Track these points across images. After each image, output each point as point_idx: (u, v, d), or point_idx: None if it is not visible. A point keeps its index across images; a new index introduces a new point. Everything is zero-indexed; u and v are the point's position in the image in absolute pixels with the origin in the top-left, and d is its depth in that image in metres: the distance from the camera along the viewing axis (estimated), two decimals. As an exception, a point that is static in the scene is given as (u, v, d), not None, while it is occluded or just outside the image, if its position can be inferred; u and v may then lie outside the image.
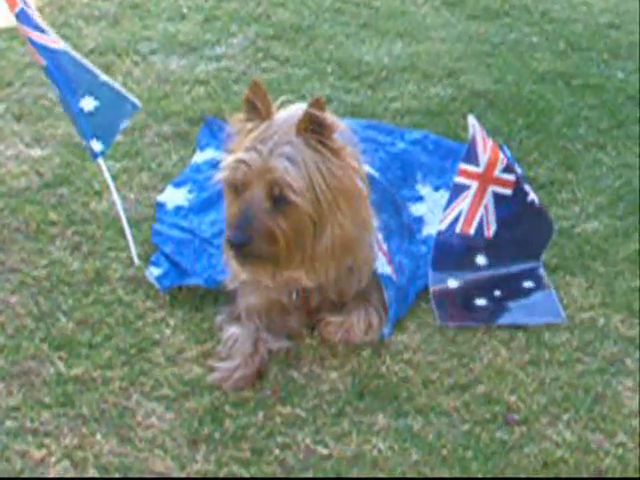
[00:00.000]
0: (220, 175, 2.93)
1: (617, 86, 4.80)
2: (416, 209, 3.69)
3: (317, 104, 2.82)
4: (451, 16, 5.61)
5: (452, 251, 3.30)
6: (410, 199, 3.72)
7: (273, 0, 5.71)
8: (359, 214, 2.98)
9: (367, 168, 3.18)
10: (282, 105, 3.00)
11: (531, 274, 3.39)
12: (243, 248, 2.85)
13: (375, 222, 3.15)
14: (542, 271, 3.39)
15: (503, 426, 2.83)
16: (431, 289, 3.27)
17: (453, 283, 3.30)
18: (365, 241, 3.08)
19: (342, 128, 2.94)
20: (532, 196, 3.31)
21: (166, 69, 4.86)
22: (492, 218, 3.26)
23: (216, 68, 4.90)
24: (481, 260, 3.33)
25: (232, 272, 3.11)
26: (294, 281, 3.01)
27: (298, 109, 2.91)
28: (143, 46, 5.09)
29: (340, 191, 2.88)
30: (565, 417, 2.86)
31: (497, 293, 3.30)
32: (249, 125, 2.90)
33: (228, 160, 2.89)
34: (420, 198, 3.76)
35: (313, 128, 2.84)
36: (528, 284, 3.36)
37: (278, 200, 2.83)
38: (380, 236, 3.20)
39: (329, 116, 2.87)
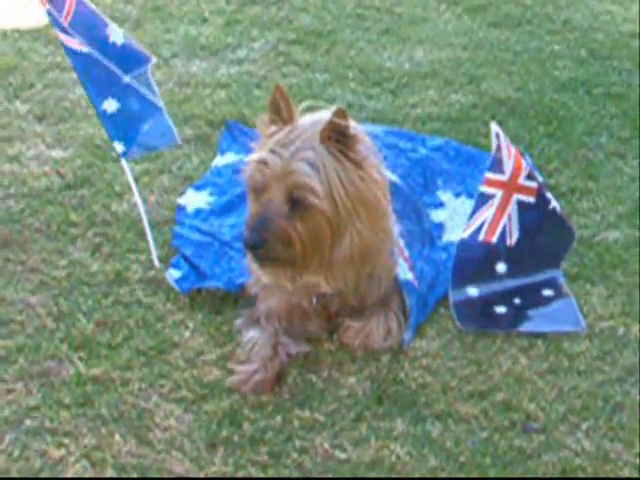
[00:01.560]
0: (242, 175, 2.94)
1: (638, 95, 4.79)
2: (437, 215, 3.68)
3: (340, 114, 2.82)
4: (472, 23, 5.61)
5: (473, 259, 3.26)
6: (431, 205, 3.72)
7: (295, 5, 5.72)
8: (379, 224, 2.97)
9: (389, 174, 3.18)
10: (306, 110, 3.00)
11: (551, 282, 3.36)
12: (258, 250, 2.85)
13: (397, 228, 3.15)
14: (562, 279, 3.38)
15: (522, 434, 2.82)
16: (451, 297, 3.25)
17: (473, 291, 3.27)
18: (385, 250, 3.07)
19: (365, 139, 2.94)
20: (553, 204, 3.29)
21: (187, 72, 4.87)
22: (515, 226, 3.24)
23: (237, 72, 4.91)
24: (501, 268, 3.30)
25: (254, 275, 3.12)
26: (313, 286, 3.01)
27: (323, 116, 2.91)
28: (164, 49, 5.11)
29: (359, 201, 2.87)
30: (584, 426, 2.85)
31: (517, 301, 3.28)
32: (272, 128, 2.91)
33: (250, 160, 2.90)
34: (441, 204, 3.76)
35: (336, 137, 2.83)
36: (548, 292, 3.34)
37: (296, 204, 2.83)
38: (402, 242, 3.20)
39: (352, 126, 2.86)
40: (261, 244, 2.82)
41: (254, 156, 2.88)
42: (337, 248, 2.90)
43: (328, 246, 2.88)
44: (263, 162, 2.84)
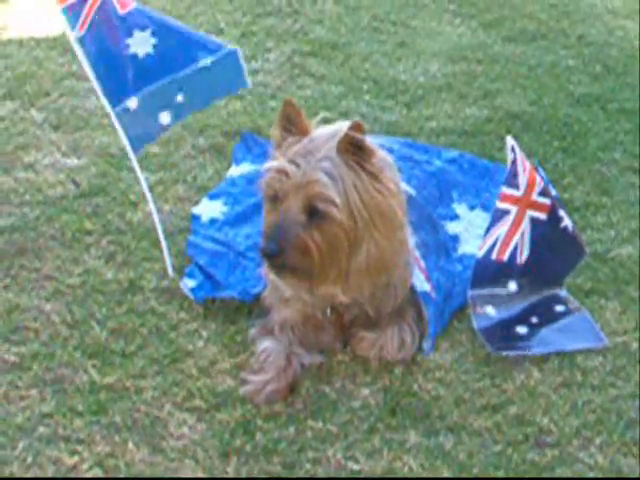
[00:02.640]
0: (260, 183, 2.94)
1: (653, 111, 4.80)
2: (452, 227, 3.69)
3: (357, 127, 2.82)
4: (487, 37, 5.62)
5: (488, 278, 3.25)
6: (446, 217, 3.72)
7: (310, 17, 5.74)
8: (395, 235, 2.96)
9: (404, 185, 3.18)
10: (321, 122, 3.00)
11: (558, 298, 3.36)
12: (275, 259, 2.84)
13: (412, 240, 3.15)
14: (565, 293, 3.38)
15: (535, 448, 2.81)
16: (475, 323, 3.19)
17: (491, 311, 3.26)
18: (400, 261, 3.07)
19: (380, 153, 2.94)
20: (566, 222, 3.28)
21: (203, 83, 4.88)
22: (526, 244, 3.24)
23: (252, 83, 4.88)
24: (512, 286, 3.30)
25: (270, 285, 3.13)
26: (330, 296, 3.01)
27: (340, 127, 2.91)
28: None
29: (376, 212, 2.87)
30: (597, 441, 2.84)
31: (534, 319, 3.27)
32: (289, 139, 2.91)
33: (269, 169, 2.90)
34: (456, 217, 3.76)
35: (353, 150, 2.84)
36: (560, 308, 3.33)
37: (314, 213, 2.83)
38: (418, 253, 3.21)
39: (369, 140, 2.87)
40: (278, 253, 2.81)
41: (273, 165, 2.89)
42: (354, 258, 2.90)
43: (345, 256, 2.88)
44: (282, 171, 2.84)
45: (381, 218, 2.88)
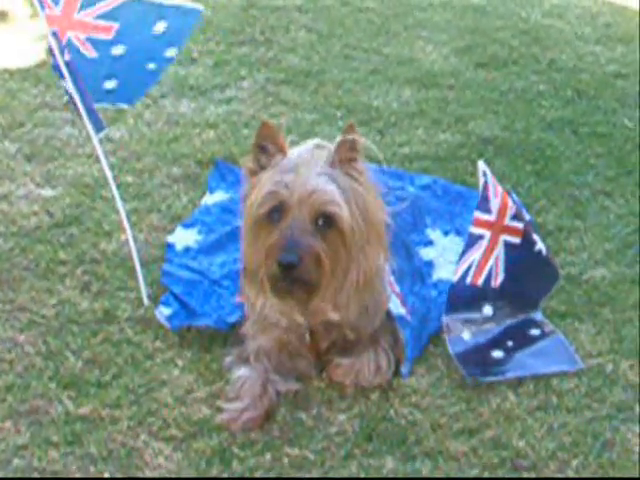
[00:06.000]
0: (256, 208, 2.86)
1: (624, 134, 4.84)
2: (426, 253, 3.70)
3: (349, 129, 2.88)
4: (459, 64, 5.66)
5: (463, 303, 3.26)
6: (420, 243, 3.74)
7: (283, 45, 5.77)
8: (382, 250, 2.98)
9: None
10: (291, 144, 3.00)
11: (533, 322, 3.37)
12: (292, 270, 2.77)
13: (388, 264, 3.15)
14: (540, 317, 3.39)
15: (511, 471, 2.81)
16: (451, 349, 3.19)
17: (467, 335, 3.27)
18: (379, 282, 3.07)
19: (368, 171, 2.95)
20: (539, 246, 3.29)
21: (176, 112, 4.90)
22: (501, 268, 3.25)
23: (226, 111, 4.93)
24: (488, 310, 3.31)
25: (254, 312, 3.07)
26: (321, 313, 2.97)
27: (318, 143, 2.94)
28: (154, 89, 5.10)
29: (370, 223, 2.88)
30: (574, 463, 2.84)
31: (510, 343, 3.28)
32: (277, 156, 2.88)
33: (261, 188, 2.85)
34: (430, 242, 3.78)
35: (349, 157, 2.86)
36: (534, 332, 3.34)
37: (323, 223, 2.81)
38: (392, 278, 3.21)
39: (362, 140, 2.90)
40: (296, 263, 2.74)
41: (268, 179, 2.84)
42: (348, 272, 2.89)
43: (342, 269, 2.87)
44: (280, 184, 2.80)
45: (374, 230, 2.89)
